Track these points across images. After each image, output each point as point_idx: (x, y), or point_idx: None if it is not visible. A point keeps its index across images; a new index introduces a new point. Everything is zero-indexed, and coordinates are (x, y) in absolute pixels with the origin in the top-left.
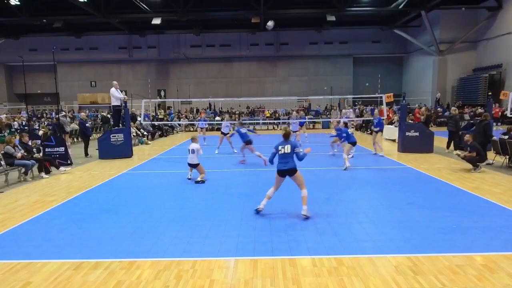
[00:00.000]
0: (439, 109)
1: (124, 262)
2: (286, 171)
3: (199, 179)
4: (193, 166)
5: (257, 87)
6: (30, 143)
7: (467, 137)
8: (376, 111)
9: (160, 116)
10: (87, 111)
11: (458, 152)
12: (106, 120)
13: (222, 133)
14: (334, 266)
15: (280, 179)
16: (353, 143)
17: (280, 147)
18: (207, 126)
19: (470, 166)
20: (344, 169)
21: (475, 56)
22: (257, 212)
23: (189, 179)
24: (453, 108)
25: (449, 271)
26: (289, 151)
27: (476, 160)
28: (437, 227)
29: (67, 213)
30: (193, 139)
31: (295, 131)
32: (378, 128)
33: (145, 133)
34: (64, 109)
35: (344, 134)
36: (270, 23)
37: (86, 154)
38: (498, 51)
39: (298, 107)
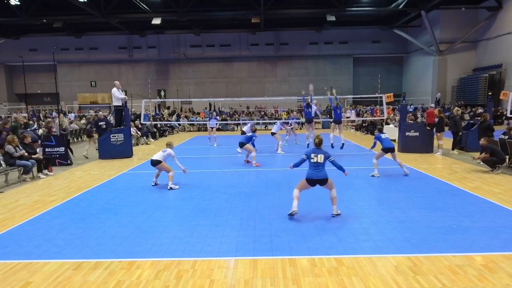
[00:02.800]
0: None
1: (124, 262)
2: (317, 180)
3: (170, 185)
4: (155, 163)
5: (257, 87)
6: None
7: (482, 140)
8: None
9: (165, 117)
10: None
11: (473, 155)
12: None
13: (272, 133)
14: (334, 266)
15: (307, 186)
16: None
17: (313, 155)
18: (217, 125)
19: (468, 167)
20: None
21: (475, 56)
22: (292, 215)
23: (154, 185)
24: (456, 108)
25: (449, 271)
26: (322, 160)
27: (494, 162)
28: (437, 227)
29: (67, 213)
30: (168, 145)
31: (274, 133)
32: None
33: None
34: (65, 109)
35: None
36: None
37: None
38: (498, 51)
39: (298, 107)
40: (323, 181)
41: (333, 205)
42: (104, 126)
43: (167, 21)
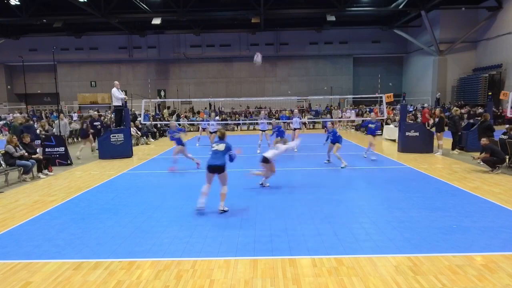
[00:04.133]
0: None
1: (124, 262)
2: (214, 166)
3: (263, 181)
4: (266, 161)
5: (257, 87)
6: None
7: (484, 140)
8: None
9: (165, 117)
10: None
11: (473, 155)
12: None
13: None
14: (334, 266)
15: (208, 174)
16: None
17: (214, 144)
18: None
19: (468, 167)
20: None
21: (475, 56)
22: (199, 210)
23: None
24: (455, 108)
25: (449, 271)
26: (222, 149)
27: (494, 161)
28: (437, 227)
29: (67, 213)
30: (284, 140)
31: (264, 130)
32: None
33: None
34: (64, 109)
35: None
36: (258, 59)
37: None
38: (498, 51)
39: (298, 107)
40: (219, 169)
41: (221, 201)
42: (99, 127)
43: (167, 21)
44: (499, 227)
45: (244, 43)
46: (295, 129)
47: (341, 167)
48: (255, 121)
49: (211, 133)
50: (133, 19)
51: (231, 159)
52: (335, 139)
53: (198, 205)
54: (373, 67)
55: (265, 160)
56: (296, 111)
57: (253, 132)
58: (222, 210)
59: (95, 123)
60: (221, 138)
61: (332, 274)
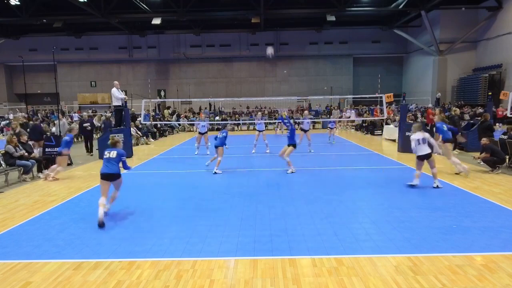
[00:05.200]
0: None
1: (124, 262)
2: (108, 175)
3: (436, 182)
4: (425, 157)
5: (257, 87)
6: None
7: (484, 140)
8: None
9: (166, 117)
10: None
11: (473, 154)
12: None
13: (258, 130)
14: (334, 266)
15: (103, 182)
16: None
17: (106, 152)
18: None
19: (468, 167)
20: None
21: (475, 56)
22: (100, 226)
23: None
24: (454, 108)
25: (449, 271)
26: (114, 156)
27: (494, 161)
28: (437, 227)
29: (67, 213)
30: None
31: (261, 131)
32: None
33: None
34: (64, 109)
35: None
36: (270, 51)
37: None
38: (498, 51)
39: (298, 107)
40: (112, 176)
41: (109, 203)
42: (89, 128)
43: (167, 21)
44: (499, 227)
45: (244, 43)
46: (305, 130)
47: (287, 172)
48: (253, 121)
49: (200, 133)
50: (133, 19)
51: (124, 166)
52: (291, 139)
53: (99, 215)
54: (373, 67)
55: (425, 157)
56: (306, 112)
57: (253, 132)
58: (105, 211)
59: (85, 124)
60: (113, 146)
61: (332, 274)
